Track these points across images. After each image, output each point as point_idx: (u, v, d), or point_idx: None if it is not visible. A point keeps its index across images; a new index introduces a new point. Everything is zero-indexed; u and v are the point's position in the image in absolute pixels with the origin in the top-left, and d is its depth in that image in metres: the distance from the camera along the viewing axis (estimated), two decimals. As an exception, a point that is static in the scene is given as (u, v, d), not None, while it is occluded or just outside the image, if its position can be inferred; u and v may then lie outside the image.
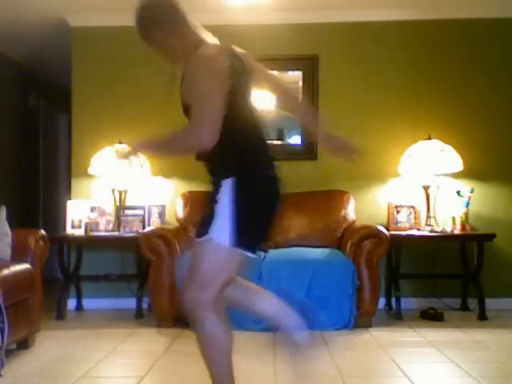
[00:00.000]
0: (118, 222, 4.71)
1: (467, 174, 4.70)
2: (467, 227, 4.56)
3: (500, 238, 4.53)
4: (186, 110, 2.09)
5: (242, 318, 3.94)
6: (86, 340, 3.81)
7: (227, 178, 2.06)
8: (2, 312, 2.81)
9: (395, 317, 4.33)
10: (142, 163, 4.69)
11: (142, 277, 4.51)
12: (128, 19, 5.63)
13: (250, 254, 2.09)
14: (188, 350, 3.54)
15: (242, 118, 2.10)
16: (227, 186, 2.05)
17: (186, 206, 4.63)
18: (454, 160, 4.53)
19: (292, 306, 2.22)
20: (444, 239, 4.53)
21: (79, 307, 4.85)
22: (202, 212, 2.18)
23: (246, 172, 2.09)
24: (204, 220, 2.11)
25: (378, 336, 3.78)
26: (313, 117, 2.39)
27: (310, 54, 4.92)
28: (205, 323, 2.09)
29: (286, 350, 2.31)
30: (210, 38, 2.20)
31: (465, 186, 4.70)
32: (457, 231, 4.54)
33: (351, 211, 4.61)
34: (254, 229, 2.09)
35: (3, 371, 2.78)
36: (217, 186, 2.09)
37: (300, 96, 2.45)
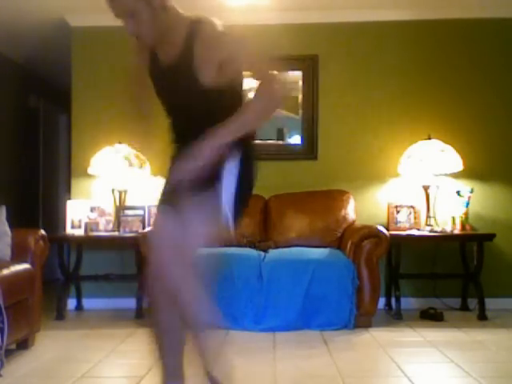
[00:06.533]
0: (118, 222, 4.71)
1: (467, 173, 4.70)
2: (467, 227, 4.56)
3: (500, 238, 4.53)
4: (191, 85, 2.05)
5: (242, 318, 3.94)
6: (85, 340, 3.81)
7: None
8: (2, 312, 2.81)
9: (395, 317, 4.33)
10: (142, 163, 4.69)
11: (142, 277, 4.50)
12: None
13: None
14: (188, 350, 3.55)
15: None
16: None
17: (185, 206, 4.62)
18: (453, 160, 4.53)
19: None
20: (444, 239, 4.53)
21: (79, 307, 4.85)
22: None
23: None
24: None
25: (378, 336, 3.78)
26: None
27: (309, 54, 4.92)
28: None
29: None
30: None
31: (465, 185, 4.70)
32: (457, 231, 4.54)
33: (351, 211, 4.61)
34: None
35: (3, 371, 2.78)
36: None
37: None
